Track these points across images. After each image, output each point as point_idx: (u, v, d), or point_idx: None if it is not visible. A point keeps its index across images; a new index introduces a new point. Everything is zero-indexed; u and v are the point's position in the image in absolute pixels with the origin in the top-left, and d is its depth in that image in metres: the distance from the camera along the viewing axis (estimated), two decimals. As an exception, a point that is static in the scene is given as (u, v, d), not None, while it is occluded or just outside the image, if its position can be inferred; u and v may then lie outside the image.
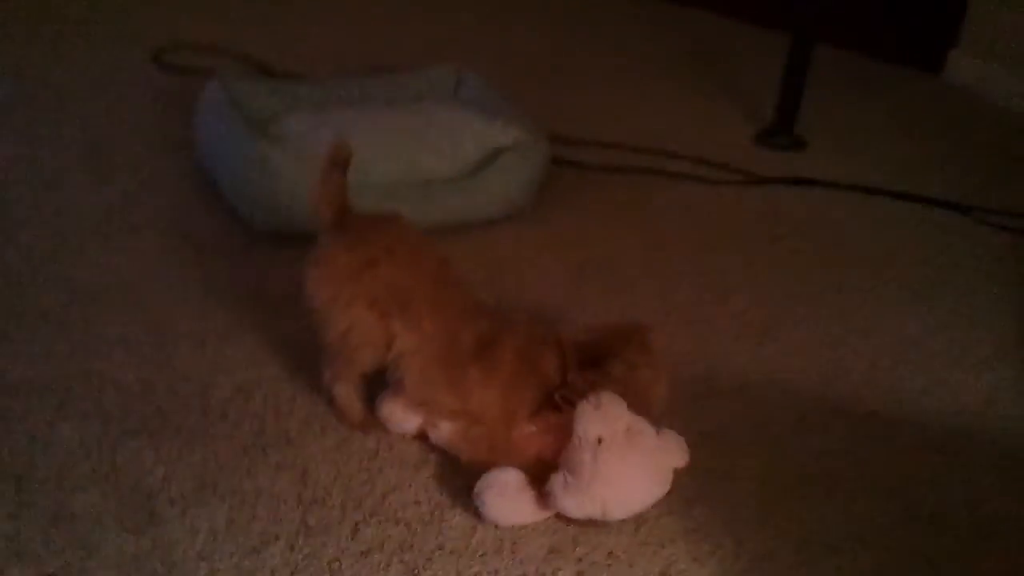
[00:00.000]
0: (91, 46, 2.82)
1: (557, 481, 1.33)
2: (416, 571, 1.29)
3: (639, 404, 1.38)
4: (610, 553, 1.34)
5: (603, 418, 1.33)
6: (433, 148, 2.06)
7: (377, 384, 1.51)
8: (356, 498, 1.39)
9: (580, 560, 1.33)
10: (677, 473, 1.38)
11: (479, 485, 1.36)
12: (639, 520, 1.39)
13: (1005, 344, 1.88)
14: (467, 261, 1.90)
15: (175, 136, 2.29)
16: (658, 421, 1.40)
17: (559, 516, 1.36)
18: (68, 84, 2.57)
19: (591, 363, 1.42)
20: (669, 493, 1.39)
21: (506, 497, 1.34)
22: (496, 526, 1.35)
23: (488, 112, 2.14)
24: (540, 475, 1.36)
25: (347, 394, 1.49)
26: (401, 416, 1.49)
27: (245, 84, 2.19)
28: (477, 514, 1.36)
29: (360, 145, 1.95)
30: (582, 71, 3.04)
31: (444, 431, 1.45)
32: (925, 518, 1.45)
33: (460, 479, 1.41)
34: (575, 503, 1.32)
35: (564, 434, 1.35)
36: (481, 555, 1.32)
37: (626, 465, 1.32)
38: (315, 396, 1.55)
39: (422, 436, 1.49)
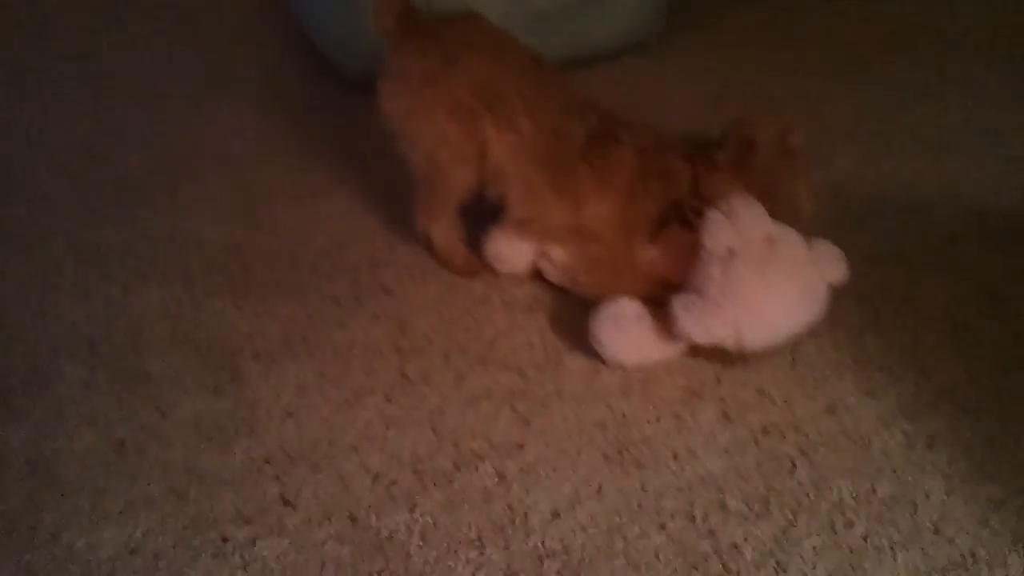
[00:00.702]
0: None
1: (679, 301, 1.11)
2: (530, 419, 1.10)
3: (782, 212, 1.14)
4: (760, 390, 1.12)
5: (736, 226, 1.09)
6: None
7: (481, 227, 1.32)
8: (461, 346, 1.21)
9: (724, 400, 1.11)
10: (838, 292, 1.14)
11: (593, 320, 1.15)
12: (794, 351, 1.16)
13: None
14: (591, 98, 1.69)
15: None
16: (809, 234, 1.16)
17: (696, 352, 1.15)
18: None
19: (724, 167, 1.17)
20: (831, 318, 1.16)
21: (624, 330, 1.13)
22: (622, 367, 1.15)
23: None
24: (666, 303, 1.14)
25: (445, 234, 1.30)
26: (510, 250, 1.29)
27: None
28: (599, 357, 1.16)
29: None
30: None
31: (558, 259, 1.25)
32: None
33: (580, 319, 1.19)
34: (701, 326, 1.10)
35: (695, 254, 1.12)
36: (606, 399, 1.12)
37: (765, 280, 1.08)
38: (416, 245, 1.37)
39: (536, 274, 1.29)
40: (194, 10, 2.14)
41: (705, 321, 1.09)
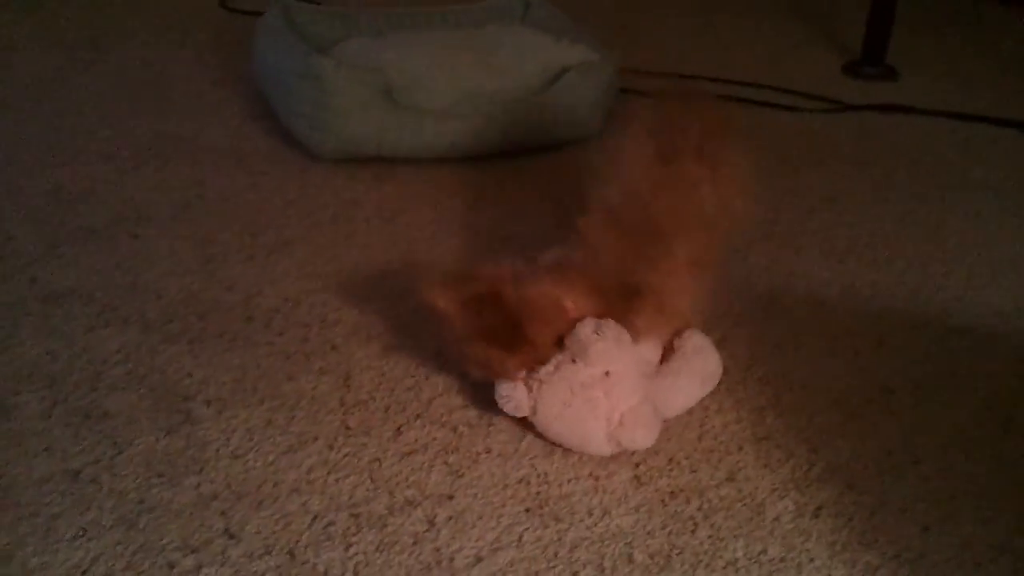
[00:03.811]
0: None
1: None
2: (460, 472, 1.20)
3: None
4: (671, 459, 1.24)
5: (601, 349, 1.19)
6: (496, 69, 1.96)
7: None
8: (400, 402, 1.31)
9: (638, 465, 1.22)
10: (744, 375, 1.26)
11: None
12: (702, 427, 1.28)
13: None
14: (532, 184, 1.83)
15: (238, 72, 2.26)
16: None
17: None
18: (136, 29, 2.56)
19: None
20: (736, 398, 1.30)
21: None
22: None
23: (555, 33, 2.05)
24: None
25: None
26: None
27: (305, 9, 2.13)
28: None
29: (421, 66, 1.90)
30: (661, 6, 2.92)
31: None
32: (1022, 431, 1.32)
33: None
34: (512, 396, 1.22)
35: None
36: (531, 459, 1.23)
37: (566, 397, 1.20)
38: (363, 308, 1.48)
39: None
40: (160, 73, 2.25)
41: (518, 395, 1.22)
